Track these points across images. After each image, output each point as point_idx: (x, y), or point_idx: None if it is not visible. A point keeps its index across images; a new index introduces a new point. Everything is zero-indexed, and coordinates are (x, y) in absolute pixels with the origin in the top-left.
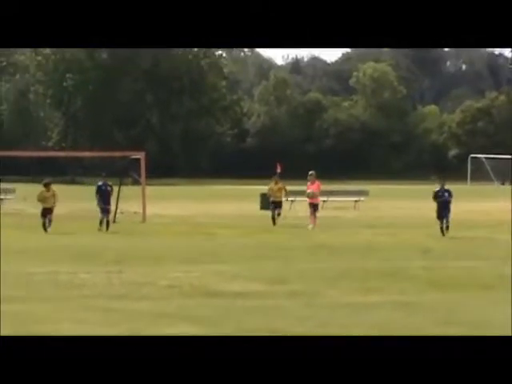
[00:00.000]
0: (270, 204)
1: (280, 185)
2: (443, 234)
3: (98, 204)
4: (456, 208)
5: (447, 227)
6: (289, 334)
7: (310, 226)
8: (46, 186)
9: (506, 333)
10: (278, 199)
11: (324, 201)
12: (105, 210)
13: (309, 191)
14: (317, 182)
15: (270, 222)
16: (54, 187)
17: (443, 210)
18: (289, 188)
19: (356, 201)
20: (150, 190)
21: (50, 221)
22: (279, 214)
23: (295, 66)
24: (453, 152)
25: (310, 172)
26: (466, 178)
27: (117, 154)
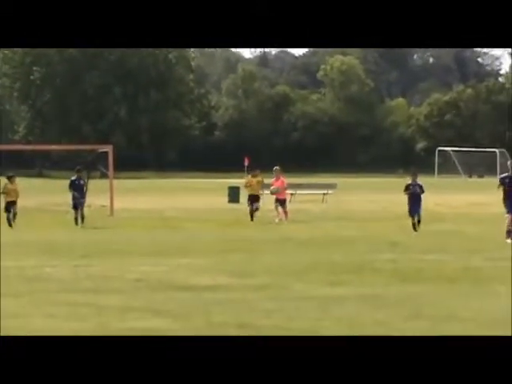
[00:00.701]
0: (248, 198)
1: (259, 178)
2: (415, 230)
3: (72, 199)
4: (423, 201)
5: (418, 221)
6: (282, 334)
7: (277, 220)
8: (10, 178)
9: (470, 327)
10: (255, 193)
11: (292, 194)
12: (78, 205)
13: (272, 188)
14: (281, 178)
15: (238, 215)
16: (21, 181)
17: (414, 205)
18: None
19: (324, 194)
20: (117, 183)
21: (15, 214)
22: (257, 209)
23: (263, 59)
24: (420, 145)
25: (275, 167)
26: (433, 171)
27: (84, 147)
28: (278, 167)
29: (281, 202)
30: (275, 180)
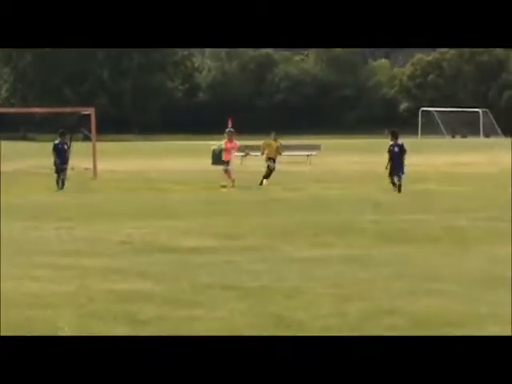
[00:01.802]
0: (266, 160)
1: (278, 143)
2: (399, 191)
3: (55, 163)
4: (406, 161)
5: (399, 185)
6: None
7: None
8: None
9: (453, 287)
10: (272, 156)
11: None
12: (60, 170)
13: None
14: (234, 141)
15: (222, 176)
16: (6, 144)
17: (395, 165)
18: (240, 143)
19: (308, 155)
20: (101, 145)
21: None
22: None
23: None
24: (403, 105)
25: (228, 129)
26: (416, 132)
27: (67, 109)
28: (232, 129)
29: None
30: (228, 141)
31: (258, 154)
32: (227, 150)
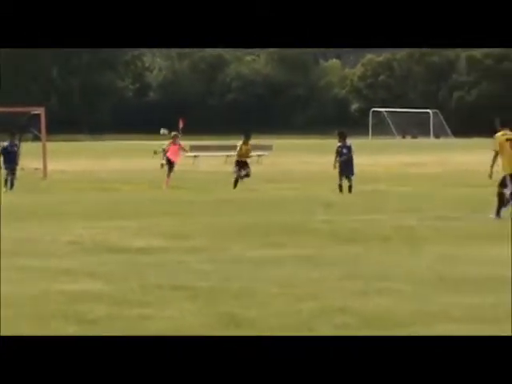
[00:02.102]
0: (236, 164)
1: (249, 146)
2: (349, 191)
3: (3, 166)
4: (357, 161)
5: (350, 186)
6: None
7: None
8: None
9: (403, 286)
10: (243, 159)
11: (227, 156)
12: (10, 170)
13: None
14: (177, 144)
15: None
16: None
17: (344, 166)
18: (191, 143)
19: (259, 155)
20: (51, 145)
21: None
22: (247, 175)
23: None
24: (355, 106)
25: (174, 133)
26: (367, 132)
27: (16, 109)
28: (176, 133)
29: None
30: (172, 144)
31: (209, 153)
32: (171, 152)
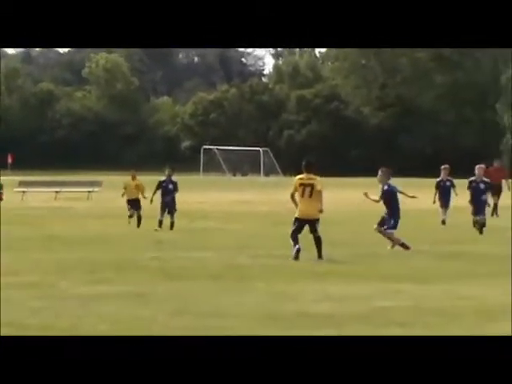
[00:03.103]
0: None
1: (137, 181)
2: (171, 227)
3: None
4: (188, 199)
5: (172, 222)
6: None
7: None
8: None
9: (233, 323)
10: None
11: (57, 192)
12: None
13: None
14: None
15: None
16: None
17: (167, 201)
18: (20, 179)
19: (89, 191)
20: None
21: None
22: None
23: (26, 55)
24: (186, 143)
25: None
26: (199, 169)
27: None
28: None
29: None
30: None
31: (39, 189)
32: None
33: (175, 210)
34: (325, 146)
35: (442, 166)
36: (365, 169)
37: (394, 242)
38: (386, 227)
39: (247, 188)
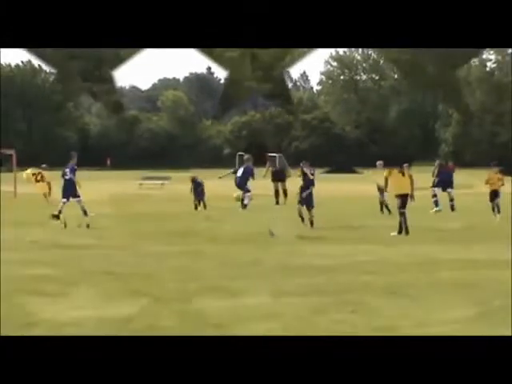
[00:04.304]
0: None
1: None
2: (196, 208)
3: None
4: (222, 189)
5: (204, 205)
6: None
7: None
8: None
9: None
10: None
11: (140, 184)
12: None
13: None
14: None
15: None
16: None
17: (198, 192)
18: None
19: (162, 183)
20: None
21: None
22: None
23: (119, 90)
24: (226, 151)
25: None
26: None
27: None
28: None
29: None
30: None
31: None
32: None
33: (204, 196)
34: (319, 153)
35: (378, 162)
36: (347, 169)
37: None
38: None
39: (266, 179)
